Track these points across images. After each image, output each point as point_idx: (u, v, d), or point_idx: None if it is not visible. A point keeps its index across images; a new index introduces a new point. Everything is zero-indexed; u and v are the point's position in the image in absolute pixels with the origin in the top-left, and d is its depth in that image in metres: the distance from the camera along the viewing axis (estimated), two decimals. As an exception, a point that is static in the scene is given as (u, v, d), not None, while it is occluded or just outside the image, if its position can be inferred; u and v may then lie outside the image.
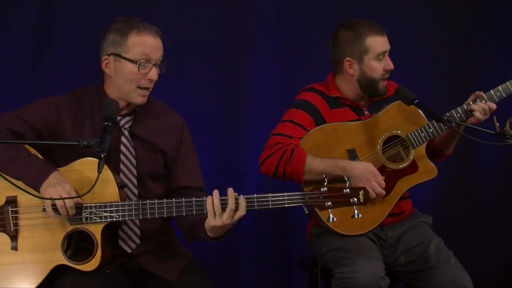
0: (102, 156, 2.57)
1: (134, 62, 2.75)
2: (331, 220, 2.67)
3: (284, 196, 2.68)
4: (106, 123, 2.66)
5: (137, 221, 2.82)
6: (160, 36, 2.81)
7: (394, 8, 4.27)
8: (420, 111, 3.22)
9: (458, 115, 3.21)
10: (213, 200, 2.64)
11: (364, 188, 2.69)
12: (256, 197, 2.67)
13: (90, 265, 2.69)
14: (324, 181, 2.67)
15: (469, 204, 4.39)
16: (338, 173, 3.02)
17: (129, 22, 2.78)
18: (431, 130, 3.21)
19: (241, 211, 2.65)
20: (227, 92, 4.19)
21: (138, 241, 2.84)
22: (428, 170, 3.22)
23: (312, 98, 3.26)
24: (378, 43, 3.21)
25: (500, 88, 3.21)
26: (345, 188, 2.66)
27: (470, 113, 3.19)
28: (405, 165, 3.20)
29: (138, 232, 2.83)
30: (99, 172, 2.55)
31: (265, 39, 4.18)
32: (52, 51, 4.01)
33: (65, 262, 2.70)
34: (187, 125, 3.03)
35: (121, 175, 2.82)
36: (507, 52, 4.35)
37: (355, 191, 2.67)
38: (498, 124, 3.09)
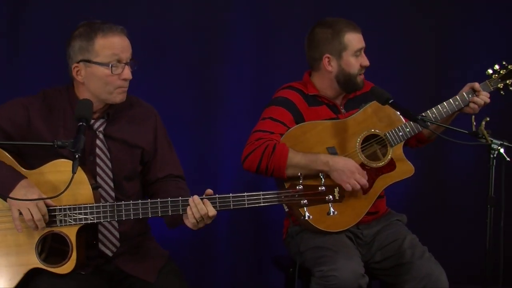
0: (77, 156, 2.54)
1: (105, 65, 2.73)
2: (306, 218, 2.67)
3: (259, 195, 2.68)
4: (80, 123, 2.63)
5: (116, 224, 2.80)
6: (126, 35, 2.80)
7: (369, 8, 4.29)
8: (397, 112, 3.25)
9: (456, 102, 3.28)
10: (192, 211, 2.65)
11: (339, 186, 2.71)
12: (232, 196, 2.67)
13: (65, 268, 2.66)
14: (300, 179, 2.68)
15: (443, 202, 4.44)
16: (320, 168, 3.05)
17: (93, 26, 2.76)
18: (408, 129, 3.26)
19: (211, 212, 2.66)
20: (203, 91, 4.17)
21: (117, 243, 2.82)
22: (405, 169, 3.26)
23: (291, 96, 3.29)
24: (356, 39, 3.27)
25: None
26: (320, 185, 2.67)
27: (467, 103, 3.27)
28: (383, 163, 3.24)
29: (118, 235, 2.82)
30: (74, 172, 2.53)
31: (241, 39, 4.17)
32: (25, 51, 3.96)
33: (40, 265, 2.67)
34: (162, 123, 3.03)
35: (98, 178, 2.80)
36: (481, 51, 4.40)
37: (330, 188, 2.67)
38: (474, 123, 3.14)
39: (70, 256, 2.65)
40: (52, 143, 2.58)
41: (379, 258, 3.23)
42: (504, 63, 3.39)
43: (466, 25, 4.42)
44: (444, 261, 3.18)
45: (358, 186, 3.09)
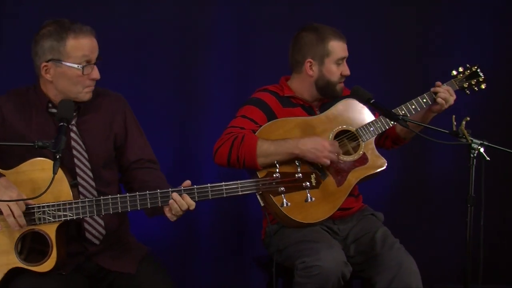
0: (58, 157, 2.55)
1: (77, 66, 2.76)
2: (285, 205, 2.70)
3: (237, 183, 2.69)
4: (62, 123, 2.64)
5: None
6: (94, 35, 2.83)
7: (348, 9, 4.31)
8: (366, 107, 3.33)
9: (424, 100, 3.34)
10: (172, 208, 2.67)
11: (315, 172, 2.73)
12: (210, 186, 2.69)
13: (46, 266, 2.65)
14: (276, 167, 2.70)
15: (424, 202, 4.46)
16: (290, 151, 3.10)
17: (63, 26, 2.77)
18: (378, 124, 3.33)
19: (192, 206, 2.68)
20: (184, 91, 4.17)
21: (103, 231, 2.83)
22: (378, 162, 3.31)
23: (265, 97, 3.33)
24: (339, 48, 3.32)
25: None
26: (297, 172, 2.69)
27: (434, 99, 3.33)
28: (356, 157, 3.28)
29: (103, 223, 2.83)
30: (54, 173, 2.54)
31: (223, 39, 4.18)
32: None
33: (20, 264, 2.66)
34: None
35: (77, 170, 2.81)
36: (456, 52, 4.44)
37: (307, 175, 2.70)
38: (455, 123, 3.17)
39: (50, 254, 2.64)
40: (33, 144, 2.59)
41: (353, 252, 3.25)
42: (467, 65, 3.49)
43: (449, 20, 4.47)
44: (425, 260, 3.21)
45: (335, 156, 3.14)
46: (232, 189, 2.69)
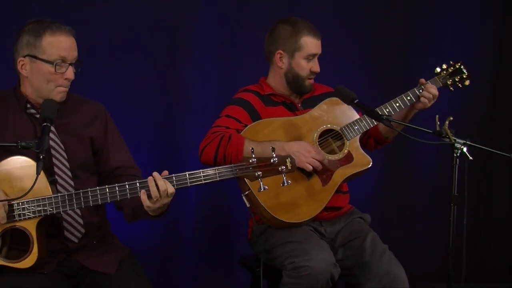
0: (41, 157, 2.55)
1: (50, 63, 2.77)
2: (262, 190, 2.71)
3: (214, 170, 2.72)
4: (45, 123, 2.64)
5: (78, 211, 2.80)
6: (73, 35, 2.84)
7: (331, 9, 4.33)
8: (352, 107, 3.33)
9: (408, 97, 3.36)
10: (152, 192, 2.66)
11: (290, 156, 2.75)
12: (188, 174, 2.71)
13: (27, 262, 2.65)
14: (252, 153, 2.72)
15: (407, 201, 4.49)
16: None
17: (42, 24, 2.80)
18: (363, 123, 3.33)
19: (171, 189, 2.68)
20: (168, 91, 4.16)
21: (82, 230, 2.82)
22: (363, 160, 3.32)
23: (247, 96, 3.35)
24: (312, 44, 3.35)
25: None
26: (273, 157, 2.72)
27: (418, 97, 3.35)
28: (341, 156, 3.28)
29: (82, 221, 2.82)
30: (38, 173, 2.54)
31: (206, 39, 4.17)
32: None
33: (0, 261, 2.65)
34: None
35: (56, 169, 2.80)
36: (439, 51, 4.47)
37: (282, 159, 2.73)
38: (438, 123, 3.19)
39: (32, 250, 2.64)
40: (16, 144, 2.59)
41: (341, 256, 3.25)
42: (451, 62, 3.51)
43: (432, 19, 4.50)
44: (408, 259, 3.22)
45: (317, 163, 3.14)
46: (210, 175, 2.71)
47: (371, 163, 3.31)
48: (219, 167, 2.73)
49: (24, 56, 2.79)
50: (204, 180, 2.72)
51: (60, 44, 2.78)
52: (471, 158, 2.92)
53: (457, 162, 2.92)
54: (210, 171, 2.72)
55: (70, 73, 2.80)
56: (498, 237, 4.63)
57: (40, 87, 2.81)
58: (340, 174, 3.26)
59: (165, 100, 4.16)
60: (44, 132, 2.61)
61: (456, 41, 4.50)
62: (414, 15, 4.48)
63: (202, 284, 4.23)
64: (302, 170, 3.17)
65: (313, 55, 3.35)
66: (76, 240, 2.81)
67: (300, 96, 3.43)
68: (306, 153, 3.14)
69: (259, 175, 2.71)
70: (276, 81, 3.41)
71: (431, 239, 4.38)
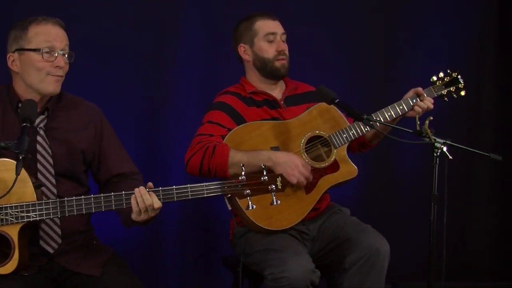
0: (20, 158, 2.51)
1: (37, 51, 2.74)
2: (250, 208, 2.67)
3: (202, 186, 2.67)
4: (25, 124, 2.60)
5: (57, 220, 2.76)
6: (61, 26, 2.81)
7: (314, 9, 4.33)
8: (342, 114, 3.31)
9: (401, 107, 3.34)
10: (137, 201, 2.63)
11: (281, 175, 2.72)
12: (175, 188, 2.67)
13: (8, 268, 2.62)
14: (242, 170, 2.68)
15: (388, 201, 4.51)
16: (261, 163, 3.04)
17: (29, 18, 2.78)
18: (352, 132, 3.30)
19: (157, 204, 2.65)
20: (151, 91, 4.14)
21: (59, 240, 2.78)
22: (349, 170, 3.30)
23: (227, 99, 3.32)
24: (266, 24, 3.36)
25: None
26: (263, 175, 2.67)
27: (412, 107, 3.34)
28: (327, 164, 3.27)
29: (59, 231, 2.78)
30: (17, 174, 2.50)
31: (190, 39, 4.16)
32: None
33: (-19, 266, 2.61)
34: (110, 122, 3.00)
35: (39, 175, 2.76)
36: (422, 51, 4.49)
37: (273, 178, 2.68)
38: (418, 123, 3.20)
39: (12, 256, 2.61)
40: None
41: (325, 243, 3.26)
42: (448, 71, 3.48)
43: (417, 18, 4.52)
44: (390, 258, 3.23)
45: (303, 179, 3.11)
46: (197, 191, 2.68)
47: (356, 173, 3.30)
48: (208, 184, 2.68)
49: (13, 52, 2.76)
50: (192, 196, 2.68)
51: (45, 32, 2.75)
52: (451, 157, 2.93)
53: (437, 162, 2.93)
54: (198, 187, 2.67)
55: (60, 60, 2.76)
56: (478, 236, 4.67)
57: (31, 80, 2.76)
58: (325, 183, 3.26)
59: (149, 100, 4.14)
60: (23, 133, 2.56)
61: (440, 41, 4.52)
62: (398, 15, 4.49)
63: (185, 284, 4.22)
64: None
65: (272, 34, 3.34)
66: (51, 251, 2.77)
67: (282, 94, 3.40)
68: (293, 166, 3.10)
69: (247, 193, 2.66)
70: (252, 77, 3.39)
71: (411, 238, 4.41)
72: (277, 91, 3.41)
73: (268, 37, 3.33)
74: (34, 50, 2.74)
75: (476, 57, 4.61)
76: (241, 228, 3.27)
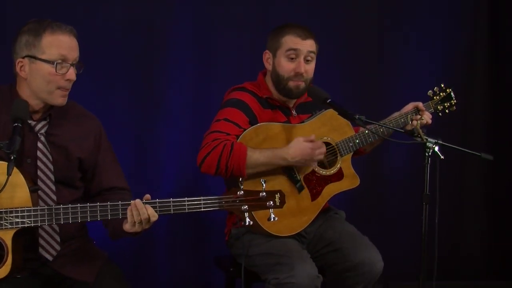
0: (12, 158, 2.49)
1: (50, 63, 2.68)
2: (247, 224, 2.65)
3: (200, 200, 2.65)
4: (16, 124, 2.58)
5: (56, 227, 2.74)
6: (75, 36, 2.75)
7: (305, 9, 4.33)
8: (349, 122, 3.30)
9: (402, 120, 3.37)
10: (133, 213, 2.61)
11: (280, 191, 2.70)
12: (172, 201, 2.64)
13: (0, 273, 2.59)
14: (241, 184, 2.66)
15: (380, 200, 4.52)
16: (279, 163, 3.10)
17: (42, 23, 2.70)
18: (357, 141, 3.31)
19: (154, 217, 2.63)
20: (142, 91, 4.11)
21: (58, 247, 2.76)
22: (352, 179, 3.33)
23: (245, 98, 3.26)
24: (292, 41, 3.24)
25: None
26: (262, 191, 2.66)
27: (411, 120, 3.37)
28: (332, 172, 3.28)
29: (58, 239, 2.76)
30: (9, 174, 2.48)
31: (181, 39, 4.13)
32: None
33: (-27, 270, 2.59)
34: (107, 137, 2.99)
35: (39, 182, 2.73)
36: (412, 51, 4.50)
37: (271, 194, 2.67)
38: (410, 122, 3.22)
39: (6, 261, 2.58)
40: None
41: (320, 247, 3.27)
42: (442, 85, 3.54)
43: (406, 17, 4.53)
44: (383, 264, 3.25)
45: (322, 157, 3.16)
46: (194, 204, 2.65)
47: (359, 182, 3.33)
48: (206, 198, 2.65)
49: (23, 57, 2.69)
50: (189, 209, 2.65)
51: (60, 44, 2.68)
52: (442, 157, 2.94)
53: (429, 161, 2.94)
54: (195, 201, 2.64)
55: (71, 73, 2.71)
56: (470, 235, 4.69)
57: (39, 89, 2.71)
58: (329, 191, 3.27)
59: (139, 102, 4.11)
60: (14, 132, 2.54)
61: (432, 40, 4.54)
62: (388, 13, 4.50)
63: (177, 284, 4.22)
64: (292, 182, 3.18)
65: (294, 51, 3.22)
66: (50, 258, 2.74)
67: (294, 101, 3.37)
68: (309, 156, 3.11)
69: (245, 209, 2.64)
70: (269, 83, 3.34)
71: (403, 238, 4.42)
72: (292, 100, 3.36)
73: (290, 54, 3.24)
74: (48, 61, 2.68)
75: (467, 58, 4.62)
76: (239, 228, 3.24)
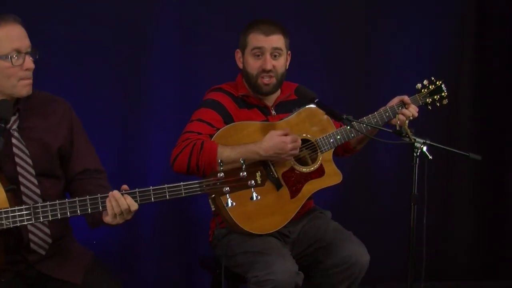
0: None
1: (5, 58, 2.64)
2: (229, 205, 2.60)
3: (180, 185, 2.61)
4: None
5: (46, 222, 2.69)
6: (20, 23, 2.70)
7: (292, 8, 4.32)
8: (330, 119, 3.28)
9: (387, 114, 3.32)
10: (112, 205, 2.57)
11: (260, 169, 2.65)
12: (152, 189, 2.60)
13: (-18, 275, 2.56)
14: (220, 166, 2.62)
15: (368, 201, 4.52)
16: (252, 157, 3.07)
17: None
18: (338, 137, 3.28)
19: (133, 206, 2.59)
20: (128, 91, 4.09)
21: (49, 240, 2.72)
22: (334, 175, 3.30)
23: (220, 98, 3.26)
24: (256, 38, 3.25)
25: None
26: (242, 171, 2.62)
27: (396, 114, 3.32)
28: (312, 169, 3.25)
29: (48, 231, 2.72)
30: (-10, 175, 2.45)
31: (167, 38, 4.12)
32: None
33: (-48, 272, 2.56)
34: (86, 124, 2.95)
35: (20, 178, 2.70)
36: (400, 49, 4.49)
37: (251, 173, 2.63)
38: (398, 122, 3.20)
39: (-13, 263, 2.55)
40: None
41: (305, 246, 3.26)
42: (432, 78, 3.49)
43: (394, 16, 4.53)
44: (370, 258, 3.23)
45: (297, 151, 3.11)
46: (175, 190, 2.61)
47: (341, 179, 3.30)
48: (186, 183, 2.61)
49: None
50: (170, 196, 2.60)
51: (9, 36, 2.64)
52: (430, 157, 2.94)
53: (417, 162, 2.93)
54: (175, 187, 2.60)
55: (28, 62, 2.67)
56: (458, 235, 4.70)
57: (2, 86, 2.67)
58: (309, 188, 3.24)
59: (124, 100, 4.10)
60: None
61: (419, 38, 4.54)
62: (378, 11, 4.50)
63: (162, 284, 4.19)
64: (272, 181, 3.15)
65: (258, 49, 3.23)
66: (43, 252, 2.71)
67: (275, 100, 3.35)
68: (282, 150, 3.08)
69: (227, 190, 2.60)
70: (245, 82, 3.34)
71: (391, 238, 4.41)
72: (269, 99, 3.35)
73: (255, 52, 3.25)
74: (2, 57, 2.64)
75: (454, 56, 4.63)
76: (222, 229, 3.23)
